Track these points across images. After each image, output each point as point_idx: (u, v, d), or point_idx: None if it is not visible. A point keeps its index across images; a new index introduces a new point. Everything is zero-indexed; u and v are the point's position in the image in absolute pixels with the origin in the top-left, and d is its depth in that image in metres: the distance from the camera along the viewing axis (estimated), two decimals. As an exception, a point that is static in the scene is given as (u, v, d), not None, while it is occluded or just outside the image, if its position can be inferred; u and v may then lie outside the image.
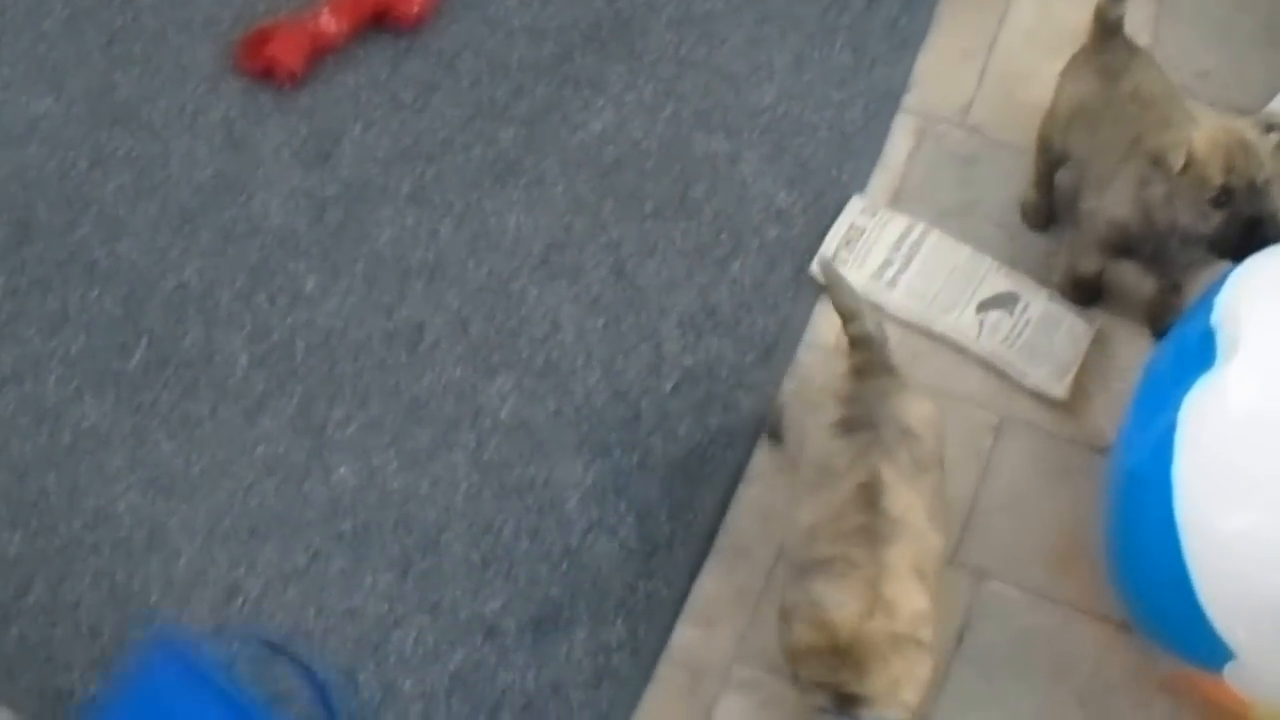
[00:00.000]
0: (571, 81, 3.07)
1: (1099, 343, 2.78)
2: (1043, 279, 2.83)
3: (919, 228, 2.86)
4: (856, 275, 2.78)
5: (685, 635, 2.51)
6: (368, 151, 2.96)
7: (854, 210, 2.88)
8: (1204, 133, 2.48)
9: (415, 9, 3.13)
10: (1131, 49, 2.75)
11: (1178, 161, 2.44)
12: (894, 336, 2.66)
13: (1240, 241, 2.45)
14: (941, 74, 3.12)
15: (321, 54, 3.07)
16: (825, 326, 2.77)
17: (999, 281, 2.81)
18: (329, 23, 3.08)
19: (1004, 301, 2.79)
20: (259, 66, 3.04)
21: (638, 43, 3.13)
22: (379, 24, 3.12)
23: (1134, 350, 2.75)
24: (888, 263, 2.82)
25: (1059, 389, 2.73)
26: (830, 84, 3.08)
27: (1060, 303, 2.80)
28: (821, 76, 3.09)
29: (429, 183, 2.92)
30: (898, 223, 2.87)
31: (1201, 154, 2.44)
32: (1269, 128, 2.49)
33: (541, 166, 2.95)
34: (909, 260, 2.83)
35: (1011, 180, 2.95)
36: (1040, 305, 2.78)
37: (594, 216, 2.89)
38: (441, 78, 3.08)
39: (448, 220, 2.88)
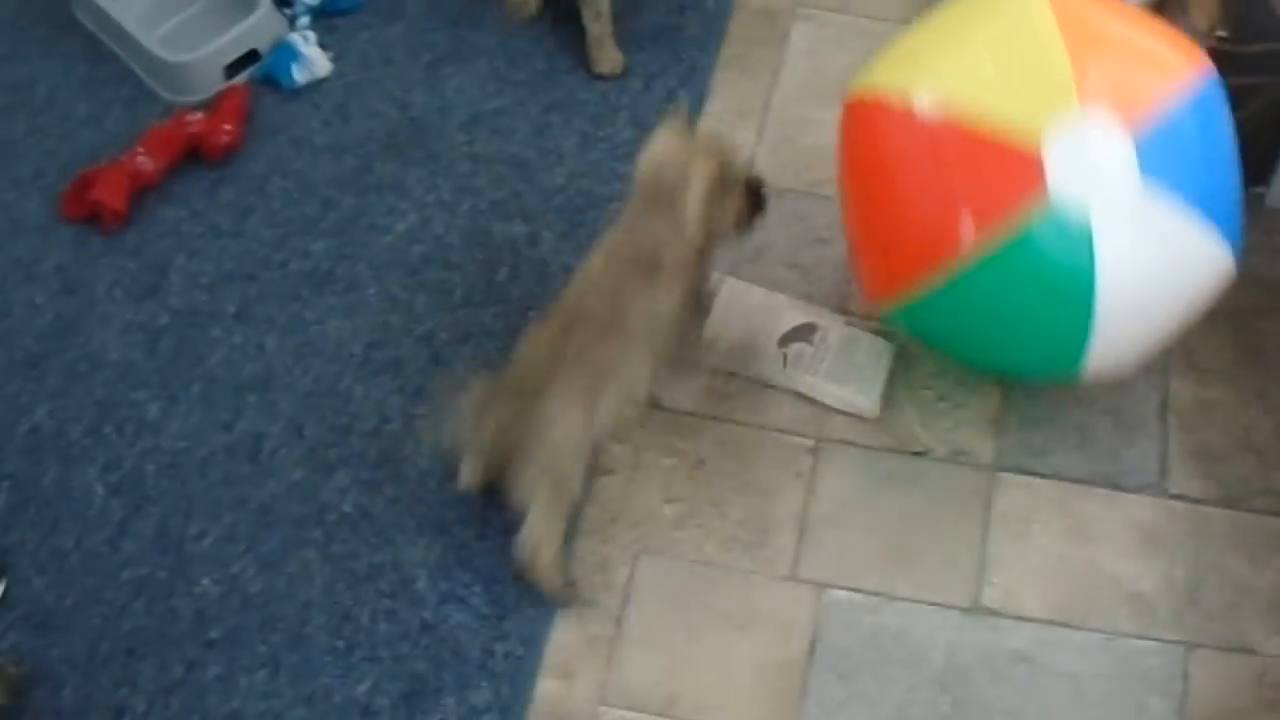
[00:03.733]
0: (375, 189, 3.20)
1: (901, 355, 2.93)
2: (838, 307, 2.98)
3: (715, 277, 2.97)
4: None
5: (548, 688, 2.63)
6: (193, 279, 3.07)
7: (653, 270, 3.01)
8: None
9: (224, 139, 3.23)
10: None
11: None
12: (702, 382, 2.82)
13: None
14: (722, 135, 3.23)
15: (142, 192, 3.17)
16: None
17: (796, 315, 2.96)
18: (145, 162, 3.18)
19: (804, 333, 2.94)
20: (85, 211, 3.14)
21: (433, 145, 3.26)
22: (193, 156, 3.23)
23: (936, 356, 2.92)
24: (690, 313, 2.95)
25: (868, 406, 2.88)
26: (617, 159, 3.22)
27: (858, 325, 2.95)
28: (608, 153, 3.24)
29: (252, 301, 3.02)
30: (695, 275, 3.00)
31: None
32: None
33: (355, 272, 3.06)
34: (708, 309, 2.96)
35: (798, 223, 3.11)
36: (839, 331, 2.94)
37: (408, 312, 3.00)
38: (255, 202, 3.19)
39: (273, 334, 2.98)
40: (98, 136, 3.31)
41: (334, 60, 3.45)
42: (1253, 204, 2.93)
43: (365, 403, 2.92)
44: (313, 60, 3.40)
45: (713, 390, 2.90)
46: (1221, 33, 2.86)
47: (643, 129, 3.17)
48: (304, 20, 3.50)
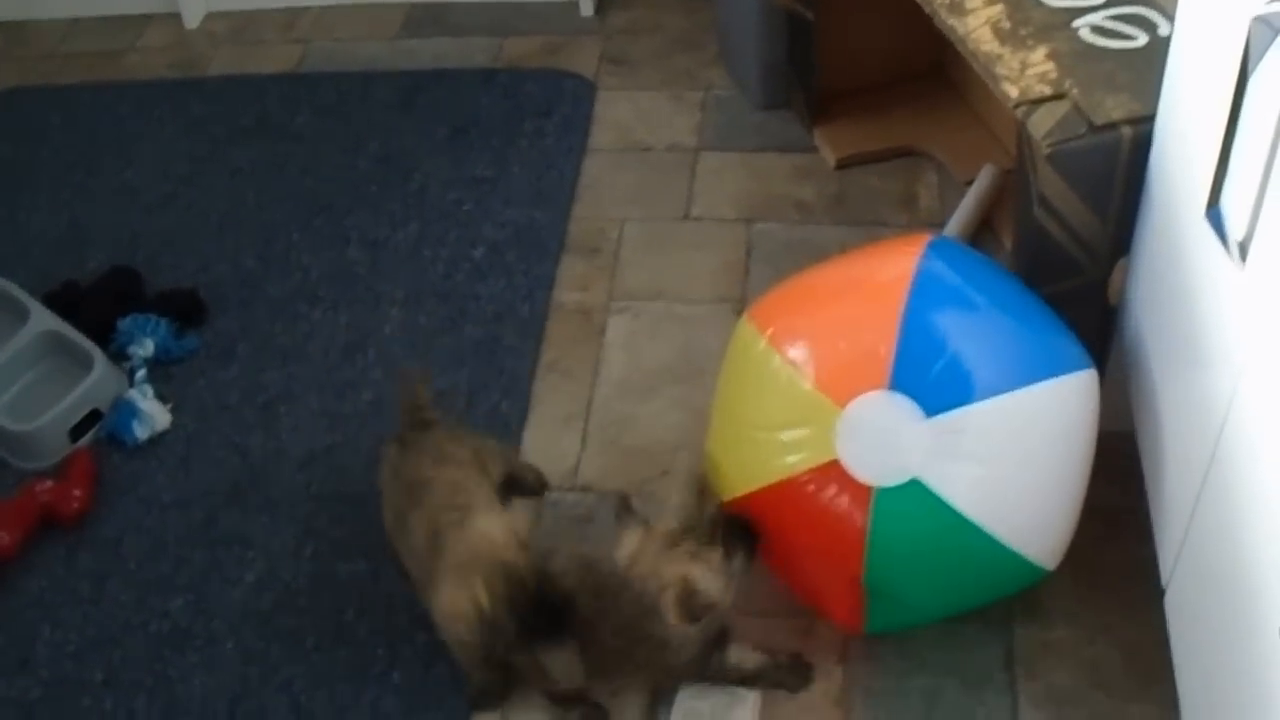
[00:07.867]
0: (222, 542, 3.29)
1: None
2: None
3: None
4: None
5: None
6: (60, 649, 3.13)
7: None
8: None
9: (75, 506, 3.35)
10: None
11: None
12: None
13: None
14: (547, 444, 3.38)
15: (1, 564, 3.28)
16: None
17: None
18: (1, 536, 3.28)
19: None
20: (-53, 586, 3.22)
21: (273, 490, 3.38)
22: (48, 522, 3.34)
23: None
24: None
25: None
26: (450, 485, 3.30)
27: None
28: (441, 479, 3.33)
29: (118, 666, 3.08)
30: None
31: None
32: None
33: (212, 627, 3.13)
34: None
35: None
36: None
37: (265, 662, 3.05)
38: (111, 565, 3.28)
39: (141, 696, 3.02)
40: (-49, 508, 3.41)
41: (173, 411, 3.61)
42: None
43: (234, 758, 3.00)
44: (152, 415, 3.56)
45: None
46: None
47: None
48: (141, 373, 3.66)
